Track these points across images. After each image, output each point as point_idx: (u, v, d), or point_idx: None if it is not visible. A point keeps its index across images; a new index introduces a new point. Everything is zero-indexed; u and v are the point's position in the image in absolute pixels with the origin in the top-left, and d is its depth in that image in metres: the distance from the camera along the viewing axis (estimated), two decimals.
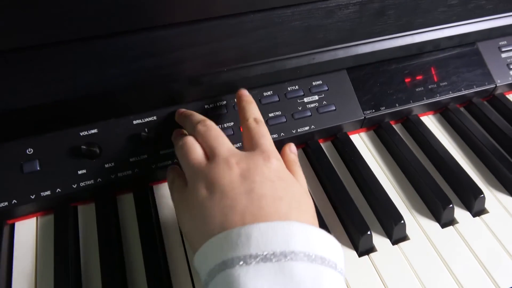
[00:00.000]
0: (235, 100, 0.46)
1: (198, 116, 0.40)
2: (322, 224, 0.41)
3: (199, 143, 0.37)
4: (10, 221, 0.42)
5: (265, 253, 0.26)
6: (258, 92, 0.47)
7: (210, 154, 0.35)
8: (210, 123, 0.38)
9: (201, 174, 0.33)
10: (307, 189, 0.36)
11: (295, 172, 0.37)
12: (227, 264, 0.27)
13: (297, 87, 0.49)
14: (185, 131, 0.42)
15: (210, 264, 0.28)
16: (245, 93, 0.43)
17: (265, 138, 0.37)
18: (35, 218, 0.42)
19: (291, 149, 0.40)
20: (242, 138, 0.39)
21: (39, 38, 0.37)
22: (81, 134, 0.42)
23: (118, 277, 0.38)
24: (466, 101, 0.56)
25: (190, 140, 0.37)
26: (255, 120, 0.39)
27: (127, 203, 0.44)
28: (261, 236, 0.27)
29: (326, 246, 0.29)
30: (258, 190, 0.31)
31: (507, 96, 0.57)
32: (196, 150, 0.36)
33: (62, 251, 0.39)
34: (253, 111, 0.40)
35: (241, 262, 0.26)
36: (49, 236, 0.41)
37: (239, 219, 0.29)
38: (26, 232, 0.41)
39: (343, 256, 0.30)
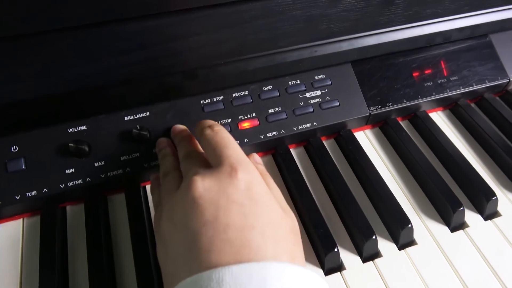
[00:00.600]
0: (233, 95, 0.44)
1: (186, 142, 0.37)
2: (324, 227, 0.38)
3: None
4: None
5: None
6: (257, 87, 0.45)
7: (184, 175, 0.33)
8: (188, 142, 0.36)
9: (165, 203, 0.31)
10: (284, 202, 0.32)
11: (268, 185, 0.32)
12: None
13: (298, 81, 0.46)
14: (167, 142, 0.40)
15: None
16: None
17: (228, 147, 0.31)
18: (21, 219, 0.40)
19: (256, 160, 0.38)
20: (206, 155, 0.34)
21: (23, 27, 0.35)
22: (69, 131, 0.40)
23: (107, 280, 0.36)
24: (477, 97, 0.54)
25: (164, 154, 0.36)
26: (211, 127, 0.34)
27: (118, 204, 0.42)
28: (234, 281, 0.23)
29: None
30: (223, 219, 0.27)
31: None
32: (165, 170, 0.34)
33: (48, 254, 0.37)
34: (205, 121, 0.36)
35: None
36: (36, 238, 0.39)
37: (205, 257, 0.25)
38: (12, 234, 0.39)
39: None
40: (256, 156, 0.38)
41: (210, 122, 0.35)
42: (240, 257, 0.25)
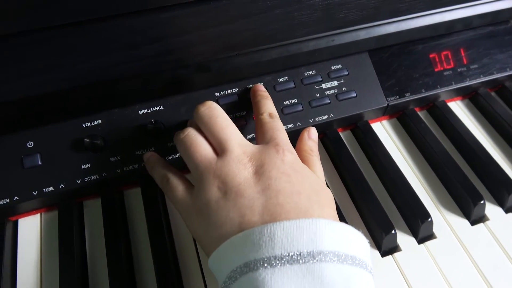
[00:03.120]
0: (248, 87, 0.43)
1: (207, 102, 0.36)
2: (342, 220, 0.38)
3: (204, 134, 0.34)
4: (13, 218, 0.40)
5: (291, 254, 0.25)
6: (272, 78, 0.44)
7: (219, 148, 0.32)
8: (216, 108, 0.34)
9: (211, 174, 0.31)
10: (324, 181, 0.34)
11: (311, 163, 0.35)
12: (250, 267, 0.25)
13: (314, 72, 0.45)
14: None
15: (231, 266, 0.26)
16: (260, 88, 0.41)
17: (280, 132, 0.34)
18: (39, 214, 0.40)
19: (310, 134, 0.38)
20: (255, 132, 0.36)
21: (37, 22, 0.34)
22: (84, 125, 0.40)
23: (126, 274, 0.36)
24: (498, 85, 0.52)
25: (192, 133, 0.34)
26: (270, 115, 0.37)
27: (135, 198, 0.42)
28: (286, 235, 0.25)
29: (355, 244, 0.27)
30: (275, 186, 0.29)
31: None
32: (201, 145, 0.33)
33: (67, 248, 0.37)
34: (268, 106, 0.38)
35: (266, 264, 0.24)
36: (54, 232, 0.39)
37: (258, 219, 0.27)
38: (30, 229, 0.39)
39: (370, 253, 0.28)
40: (312, 131, 0.38)
41: (271, 108, 0.38)
42: (290, 217, 0.27)
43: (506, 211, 0.41)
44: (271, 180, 0.29)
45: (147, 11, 0.35)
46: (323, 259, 0.25)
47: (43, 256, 0.38)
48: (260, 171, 0.30)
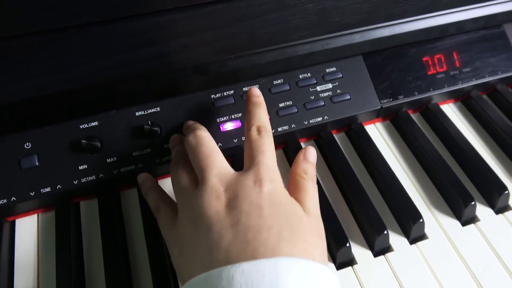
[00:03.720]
0: (244, 89, 0.44)
1: (192, 126, 0.37)
2: (336, 222, 0.39)
3: (191, 161, 0.34)
4: (10, 218, 0.40)
5: None
6: (267, 81, 0.44)
7: (199, 177, 0.32)
8: (202, 136, 0.34)
9: (187, 204, 0.31)
10: (314, 210, 0.32)
11: (302, 188, 0.33)
12: None
13: (309, 74, 0.46)
14: (181, 139, 0.39)
15: None
16: (254, 93, 0.38)
17: (264, 154, 0.32)
18: (36, 215, 0.41)
19: (307, 155, 0.35)
20: (244, 149, 0.35)
21: (35, 24, 0.34)
22: (81, 127, 0.40)
23: (123, 274, 0.36)
24: (489, 88, 0.53)
25: (178, 161, 0.35)
26: (258, 129, 0.35)
27: (131, 199, 0.42)
28: (245, 279, 0.23)
29: (323, 283, 0.25)
30: (245, 221, 0.28)
31: None
32: (183, 174, 0.33)
33: (64, 248, 0.37)
34: (258, 116, 0.36)
35: None
36: (51, 233, 0.39)
37: (223, 257, 0.26)
38: (27, 229, 0.40)
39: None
40: (310, 152, 0.35)
41: (262, 119, 0.36)
42: (256, 256, 0.26)
43: (497, 212, 0.42)
44: (241, 215, 0.28)
45: (145, 15, 0.36)
46: None
47: (40, 256, 0.38)
48: (232, 204, 0.29)
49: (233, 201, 0.29)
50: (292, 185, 0.34)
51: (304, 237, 0.28)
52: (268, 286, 0.23)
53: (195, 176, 0.33)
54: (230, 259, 0.26)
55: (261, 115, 0.36)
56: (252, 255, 0.26)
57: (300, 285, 0.24)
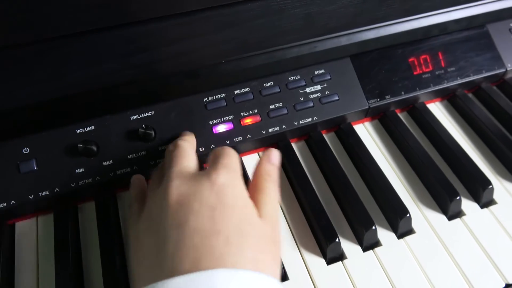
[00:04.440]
0: (235, 92, 0.45)
1: (180, 136, 0.38)
2: (325, 218, 0.40)
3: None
4: (10, 222, 0.41)
5: None
6: (258, 83, 0.46)
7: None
8: (181, 144, 0.35)
9: (147, 203, 0.31)
10: (271, 215, 0.30)
11: (263, 190, 0.31)
12: None
13: (298, 77, 0.47)
14: None
15: None
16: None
17: (226, 157, 0.32)
18: (35, 218, 0.42)
19: (271, 158, 0.34)
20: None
21: (31, 35, 0.36)
22: (78, 131, 0.41)
23: (121, 278, 0.37)
24: (474, 87, 0.54)
25: (157, 169, 0.36)
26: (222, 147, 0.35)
27: (128, 200, 0.43)
28: None
29: None
30: (193, 223, 0.26)
31: None
32: (155, 177, 0.33)
33: (63, 251, 0.38)
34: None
35: None
36: (50, 235, 0.40)
37: (167, 264, 0.25)
38: (27, 232, 0.41)
39: None
40: (273, 154, 0.34)
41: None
42: (200, 265, 0.24)
43: (482, 207, 0.43)
44: (191, 215, 0.27)
45: (136, 23, 0.37)
46: None
47: (40, 258, 0.39)
48: (183, 201, 0.28)
49: (185, 197, 0.28)
50: (253, 186, 0.32)
51: (254, 244, 0.27)
52: None
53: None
54: (174, 266, 0.24)
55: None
56: (195, 263, 0.24)
57: None
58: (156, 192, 0.30)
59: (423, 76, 0.50)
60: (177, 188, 0.29)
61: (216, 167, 0.31)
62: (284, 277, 0.38)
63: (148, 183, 0.36)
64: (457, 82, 0.51)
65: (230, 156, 0.32)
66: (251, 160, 0.47)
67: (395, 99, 0.49)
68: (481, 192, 0.42)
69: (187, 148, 0.35)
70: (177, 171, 0.31)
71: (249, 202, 0.30)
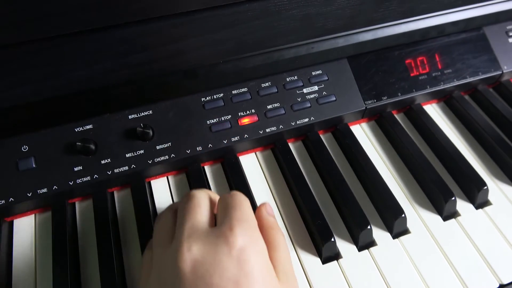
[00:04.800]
0: (233, 92, 0.46)
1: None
2: (321, 218, 0.40)
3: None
4: (9, 219, 0.42)
5: None
6: (256, 84, 0.46)
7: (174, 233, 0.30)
8: (195, 195, 0.31)
9: (157, 260, 0.28)
10: (290, 275, 0.29)
11: (276, 243, 0.30)
12: None
13: (296, 77, 0.47)
14: None
15: None
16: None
17: (237, 209, 0.29)
18: (33, 215, 0.42)
19: (268, 210, 0.34)
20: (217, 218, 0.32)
21: (30, 33, 0.36)
22: (76, 130, 0.42)
23: (117, 273, 0.38)
24: (471, 89, 0.55)
25: (163, 214, 0.32)
26: (230, 193, 0.32)
27: (125, 199, 0.44)
28: None
29: None
30: None
31: None
32: (163, 228, 0.30)
33: (60, 248, 0.39)
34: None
35: None
36: (47, 232, 0.41)
37: None
38: (25, 229, 0.41)
39: None
40: (268, 206, 0.34)
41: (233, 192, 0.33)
42: None
43: (477, 207, 0.43)
44: None
45: (135, 23, 0.38)
46: None
47: (38, 255, 0.40)
48: (198, 270, 0.25)
49: (201, 266, 0.25)
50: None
51: None
52: None
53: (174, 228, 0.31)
54: None
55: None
56: None
57: None
58: (167, 251, 0.28)
59: (420, 77, 0.51)
60: (191, 252, 0.26)
61: (230, 224, 0.28)
62: None
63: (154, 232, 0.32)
64: (454, 84, 0.51)
65: (242, 207, 0.30)
66: (248, 160, 0.47)
67: (392, 100, 0.49)
68: (476, 193, 0.43)
69: (201, 199, 0.31)
70: (188, 229, 0.28)
71: (270, 265, 0.28)
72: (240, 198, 0.31)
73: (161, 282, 0.26)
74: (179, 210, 0.31)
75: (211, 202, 0.32)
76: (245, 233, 0.27)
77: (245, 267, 0.26)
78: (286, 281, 0.29)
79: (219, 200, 0.32)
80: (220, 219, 0.29)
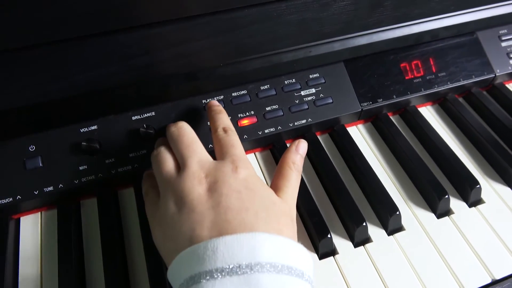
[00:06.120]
0: (233, 95, 0.47)
1: (178, 122, 0.39)
2: (318, 216, 0.41)
3: (173, 151, 0.37)
4: (16, 216, 0.43)
5: (231, 266, 0.26)
6: (255, 86, 0.48)
7: (181, 164, 0.35)
8: (184, 127, 0.38)
9: (170, 188, 0.33)
10: (290, 198, 0.35)
11: (286, 177, 0.36)
12: (194, 280, 0.27)
13: (294, 80, 0.49)
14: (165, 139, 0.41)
15: (180, 279, 0.28)
16: (213, 103, 0.43)
17: (235, 147, 0.36)
18: (39, 213, 0.43)
19: (299, 148, 0.39)
20: (214, 148, 0.38)
21: (37, 37, 0.38)
22: (82, 130, 0.43)
23: (121, 271, 0.39)
24: (465, 91, 0.56)
25: (162, 151, 0.37)
26: (224, 129, 0.38)
27: (129, 197, 0.45)
28: (227, 249, 0.27)
29: (292, 255, 0.29)
30: (225, 203, 0.31)
31: (507, 85, 0.57)
32: (167, 162, 0.36)
33: (65, 245, 0.40)
34: (221, 120, 0.40)
35: (208, 277, 0.26)
36: (53, 230, 0.42)
37: (206, 234, 0.29)
38: (31, 226, 0.43)
39: (311, 263, 0.30)
40: (301, 145, 0.39)
41: (225, 122, 0.40)
42: (236, 233, 0.29)
43: (470, 206, 0.44)
44: (222, 197, 0.31)
45: (138, 27, 0.39)
46: (260, 270, 0.26)
47: (43, 252, 0.41)
48: (213, 188, 0.32)
49: (214, 185, 0.32)
50: (278, 172, 0.37)
51: (277, 218, 0.32)
52: (247, 255, 0.27)
53: (177, 163, 0.36)
54: (213, 235, 0.29)
55: (224, 119, 0.40)
56: (232, 232, 0.29)
57: (273, 255, 0.27)
58: (181, 180, 0.33)
59: (415, 80, 0.52)
60: (206, 177, 0.33)
61: (232, 158, 0.35)
62: None
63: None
64: (448, 87, 0.53)
65: (238, 147, 0.36)
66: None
67: (387, 103, 0.51)
68: (469, 192, 0.44)
69: (192, 133, 0.37)
70: (198, 161, 0.34)
71: (266, 186, 0.35)
72: (234, 139, 0.37)
73: (181, 201, 0.32)
74: (175, 142, 0.37)
75: None
76: (246, 170, 0.34)
77: (247, 184, 0.33)
78: (288, 201, 0.35)
79: (216, 136, 0.38)
80: (221, 155, 0.36)
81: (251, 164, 0.36)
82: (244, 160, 0.35)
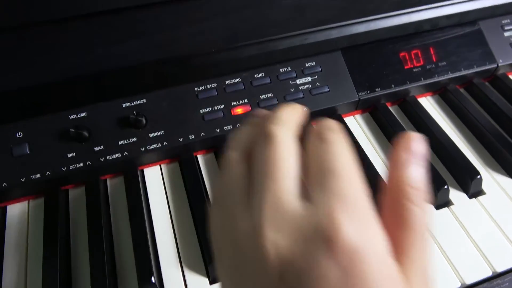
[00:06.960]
0: (226, 82, 0.46)
1: (263, 123, 0.22)
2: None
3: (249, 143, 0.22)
4: (2, 204, 0.42)
5: None
6: (249, 74, 0.47)
7: (250, 192, 0.20)
8: (277, 134, 0.21)
9: (229, 233, 0.19)
10: (421, 277, 0.18)
11: (409, 228, 0.18)
12: None
13: (289, 68, 0.48)
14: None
15: None
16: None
17: (337, 174, 0.18)
18: (26, 201, 0.42)
19: (413, 182, 0.19)
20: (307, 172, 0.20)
21: (23, 18, 0.37)
22: (70, 117, 0.42)
23: (107, 261, 0.38)
24: (466, 82, 0.55)
25: (236, 163, 0.22)
26: (318, 133, 0.21)
27: (118, 186, 0.44)
28: None
29: None
30: None
31: (509, 76, 0.55)
32: (234, 181, 0.21)
33: (51, 234, 0.39)
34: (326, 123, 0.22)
35: None
36: (40, 218, 0.41)
37: None
38: (18, 214, 0.42)
39: None
40: (415, 174, 0.20)
41: (329, 125, 0.22)
42: None
43: (470, 197, 0.43)
44: None
45: (128, 9, 0.38)
46: None
47: (29, 241, 0.40)
48: (285, 276, 0.17)
49: (291, 273, 0.17)
50: (390, 216, 0.19)
51: None
52: None
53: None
54: None
55: (326, 124, 0.23)
56: None
57: None
58: (242, 223, 0.19)
59: (414, 70, 0.51)
60: (277, 249, 0.17)
61: (330, 206, 0.17)
62: None
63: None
64: (448, 77, 0.51)
65: (346, 169, 0.19)
66: None
67: (385, 92, 0.49)
68: (469, 182, 0.42)
69: (287, 142, 0.21)
70: (270, 205, 0.18)
71: (394, 269, 0.17)
72: (342, 151, 0.20)
73: (238, 266, 0.19)
74: (255, 157, 0.21)
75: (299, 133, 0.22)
76: (355, 223, 0.17)
77: (357, 273, 0.16)
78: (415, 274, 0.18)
79: (310, 146, 0.21)
80: (314, 186, 0.19)
81: (373, 214, 0.18)
82: (352, 201, 0.17)
